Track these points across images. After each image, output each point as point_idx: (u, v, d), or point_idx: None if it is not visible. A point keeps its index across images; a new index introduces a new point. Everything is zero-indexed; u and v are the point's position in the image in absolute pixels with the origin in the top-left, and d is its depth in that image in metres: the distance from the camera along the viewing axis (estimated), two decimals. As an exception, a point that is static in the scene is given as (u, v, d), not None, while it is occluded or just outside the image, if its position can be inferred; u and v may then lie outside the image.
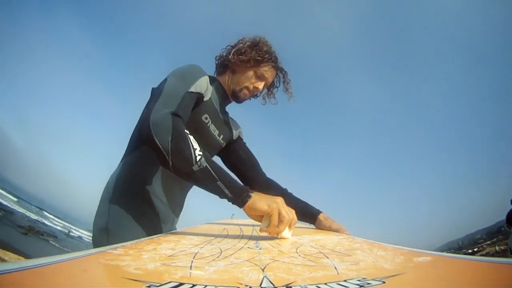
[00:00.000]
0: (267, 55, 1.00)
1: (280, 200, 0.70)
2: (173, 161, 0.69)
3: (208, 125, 0.95)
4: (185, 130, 0.72)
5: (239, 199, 0.70)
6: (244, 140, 1.16)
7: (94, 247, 0.87)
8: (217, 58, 1.07)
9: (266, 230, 0.68)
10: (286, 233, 0.69)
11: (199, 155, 0.69)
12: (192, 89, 0.84)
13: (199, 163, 0.68)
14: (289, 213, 0.69)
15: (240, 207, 0.71)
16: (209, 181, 0.70)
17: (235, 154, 1.11)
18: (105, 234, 0.85)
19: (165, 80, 0.86)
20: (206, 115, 0.93)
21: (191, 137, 0.71)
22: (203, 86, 0.89)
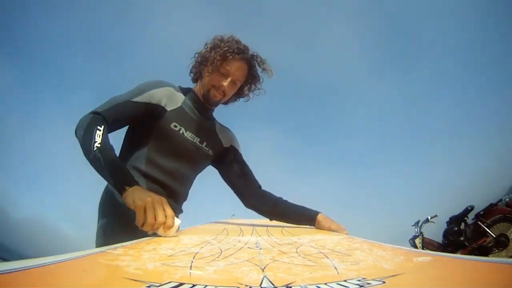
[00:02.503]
0: (226, 50, 0.96)
1: (152, 199, 0.68)
2: (83, 151, 0.78)
3: (181, 132, 0.95)
4: (98, 126, 0.79)
5: (117, 190, 0.74)
6: (241, 151, 1.12)
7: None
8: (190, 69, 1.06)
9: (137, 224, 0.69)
10: (162, 232, 0.68)
11: (96, 147, 0.75)
12: (138, 99, 0.90)
13: (94, 153, 0.75)
14: (160, 215, 0.66)
15: None
16: (100, 170, 0.76)
17: (228, 165, 1.09)
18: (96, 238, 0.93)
19: None
20: (175, 123, 0.94)
21: (99, 132, 0.78)
22: (157, 96, 0.93)
